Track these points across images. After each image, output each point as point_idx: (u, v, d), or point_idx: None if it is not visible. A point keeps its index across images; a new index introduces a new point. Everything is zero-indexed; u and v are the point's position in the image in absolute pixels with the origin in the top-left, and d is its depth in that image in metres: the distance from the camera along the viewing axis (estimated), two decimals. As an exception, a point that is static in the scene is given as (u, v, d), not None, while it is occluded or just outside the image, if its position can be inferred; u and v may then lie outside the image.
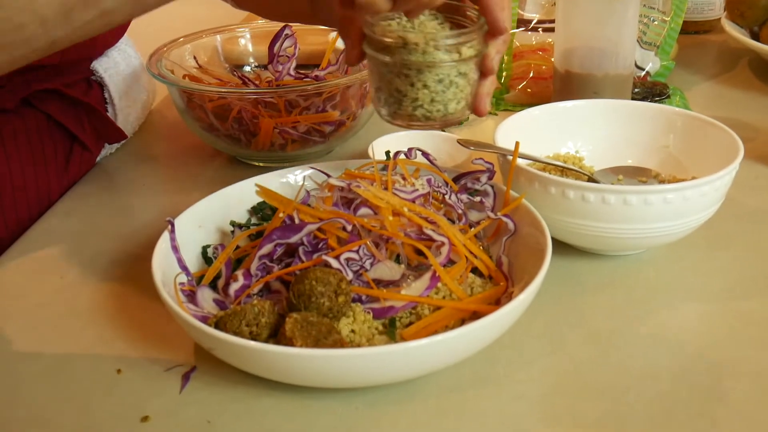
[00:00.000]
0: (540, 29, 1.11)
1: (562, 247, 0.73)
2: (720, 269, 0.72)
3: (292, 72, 0.98)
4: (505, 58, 1.09)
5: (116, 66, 1.00)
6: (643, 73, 1.09)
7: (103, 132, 0.95)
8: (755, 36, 1.19)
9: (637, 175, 0.80)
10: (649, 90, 1.05)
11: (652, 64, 1.09)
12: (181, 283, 0.64)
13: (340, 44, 1.02)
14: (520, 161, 0.71)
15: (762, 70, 1.18)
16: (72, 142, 0.93)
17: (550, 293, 0.69)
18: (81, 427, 0.57)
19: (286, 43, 1.00)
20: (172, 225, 0.66)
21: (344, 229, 0.63)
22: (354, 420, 0.56)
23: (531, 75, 1.07)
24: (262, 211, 0.74)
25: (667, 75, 1.11)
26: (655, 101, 1.02)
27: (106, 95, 0.98)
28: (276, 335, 0.58)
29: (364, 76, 0.88)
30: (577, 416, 0.56)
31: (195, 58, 1.00)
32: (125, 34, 1.04)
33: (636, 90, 1.03)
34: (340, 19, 0.64)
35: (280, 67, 0.97)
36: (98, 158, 0.99)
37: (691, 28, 1.35)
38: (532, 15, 1.12)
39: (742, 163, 0.70)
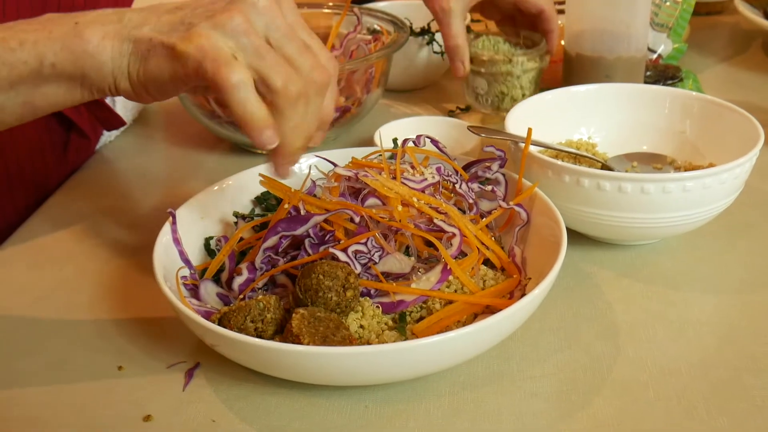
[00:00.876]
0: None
1: (575, 236, 0.71)
2: (738, 259, 0.70)
3: (295, 57, 0.95)
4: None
5: None
6: (655, 55, 1.06)
7: (102, 119, 0.93)
8: (769, 16, 1.17)
9: (652, 161, 0.78)
10: (662, 73, 1.02)
11: (664, 46, 1.07)
12: (184, 277, 0.62)
13: (343, 28, 1.00)
14: (532, 148, 0.69)
15: (776, 52, 1.15)
16: (69, 129, 0.90)
17: (564, 285, 0.67)
18: (81, 427, 0.55)
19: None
20: (174, 216, 0.64)
21: (352, 220, 0.61)
22: (364, 419, 0.54)
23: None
24: (267, 201, 0.71)
25: (680, 57, 1.08)
26: (668, 85, 0.99)
27: None
28: (282, 331, 0.56)
29: (369, 61, 0.86)
30: (595, 413, 0.54)
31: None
32: None
33: (648, 73, 1.00)
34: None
35: (283, 53, 0.95)
36: (97, 146, 0.97)
37: (702, 9, 1.32)
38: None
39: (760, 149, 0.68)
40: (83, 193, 0.87)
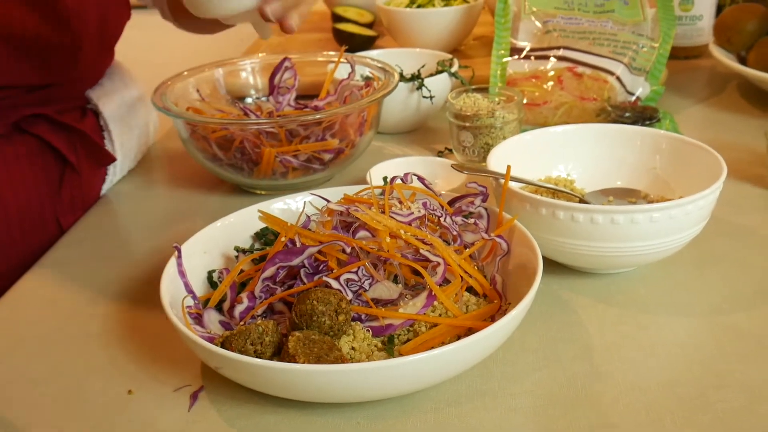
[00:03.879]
0: (532, 57, 1.14)
1: (555, 266, 0.76)
2: (708, 285, 0.75)
3: (292, 102, 1.01)
4: (499, 84, 1.12)
5: (110, 94, 1.03)
6: (634, 97, 1.12)
7: (94, 156, 0.97)
8: (743, 60, 1.23)
9: (626, 196, 0.83)
10: (640, 114, 1.08)
11: (642, 89, 1.12)
12: (188, 306, 0.67)
13: (337, 75, 1.06)
14: (512, 184, 0.74)
15: (750, 93, 1.21)
16: (64, 166, 0.95)
17: (544, 310, 0.71)
18: (94, 445, 0.59)
19: (286, 75, 1.03)
20: (179, 251, 0.69)
21: (344, 251, 0.66)
22: (356, 433, 0.59)
23: (524, 101, 1.10)
24: (265, 236, 0.76)
25: (657, 99, 1.14)
26: (646, 125, 1.05)
27: (102, 122, 1.01)
28: (280, 353, 0.60)
29: (361, 105, 0.92)
30: (570, 426, 0.58)
31: (198, 90, 1.03)
32: (120, 64, 1.08)
33: (627, 114, 1.06)
34: None
35: (281, 98, 1.01)
36: (104, 190, 1.02)
37: (681, 54, 1.39)
38: (524, 43, 1.16)
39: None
40: (92, 233, 0.92)
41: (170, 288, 0.66)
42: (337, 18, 1.49)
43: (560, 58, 1.13)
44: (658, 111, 1.08)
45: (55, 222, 0.95)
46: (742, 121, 1.12)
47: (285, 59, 1.03)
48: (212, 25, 1.01)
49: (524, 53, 1.15)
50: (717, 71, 1.33)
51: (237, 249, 0.75)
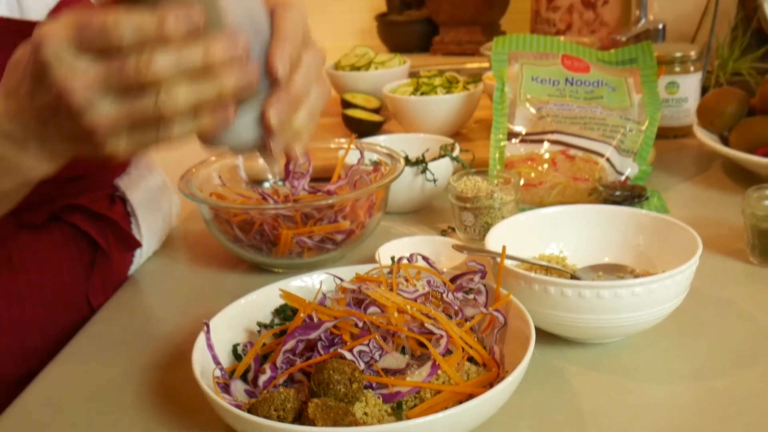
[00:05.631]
0: (528, 141, 1.23)
1: (549, 337, 0.83)
2: (689, 353, 0.82)
3: (306, 187, 1.10)
4: (498, 167, 1.21)
5: (137, 182, 1.12)
6: (624, 177, 1.20)
7: (123, 241, 1.05)
8: (725, 140, 1.31)
9: (614, 271, 0.90)
10: (629, 193, 1.16)
11: (630, 169, 1.21)
12: (217, 377, 0.74)
13: (348, 160, 1.15)
14: (508, 262, 0.82)
15: (733, 172, 1.29)
16: (95, 250, 1.03)
17: (539, 378, 0.78)
18: (133, 504, 0.66)
19: (300, 161, 1.12)
20: (208, 326, 0.76)
21: (356, 325, 0.74)
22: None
23: (521, 183, 1.18)
24: (284, 312, 0.84)
25: (645, 178, 1.22)
26: (636, 203, 1.13)
27: (129, 209, 1.10)
28: (300, 418, 0.67)
29: (370, 190, 1.00)
30: (561, 483, 0.65)
31: (219, 176, 1.12)
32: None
33: (617, 193, 1.14)
34: None
35: (296, 183, 1.10)
36: (131, 270, 1.10)
37: (669, 133, 1.48)
38: (520, 128, 1.24)
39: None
40: (121, 311, 1.00)
41: (200, 360, 0.73)
42: (346, 104, 1.59)
43: (554, 142, 1.21)
44: (646, 189, 1.16)
45: (86, 301, 1.02)
46: (725, 197, 1.20)
47: (299, 147, 1.12)
48: None
49: (520, 137, 1.24)
50: (703, 150, 1.41)
51: (259, 324, 0.82)
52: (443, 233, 1.13)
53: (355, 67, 1.70)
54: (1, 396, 0.86)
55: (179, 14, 0.56)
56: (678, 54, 1.46)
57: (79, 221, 1.00)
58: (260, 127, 0.64)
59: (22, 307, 0.94)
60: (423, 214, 1.22)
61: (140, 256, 1.12)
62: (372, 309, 0.76)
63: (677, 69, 1.46)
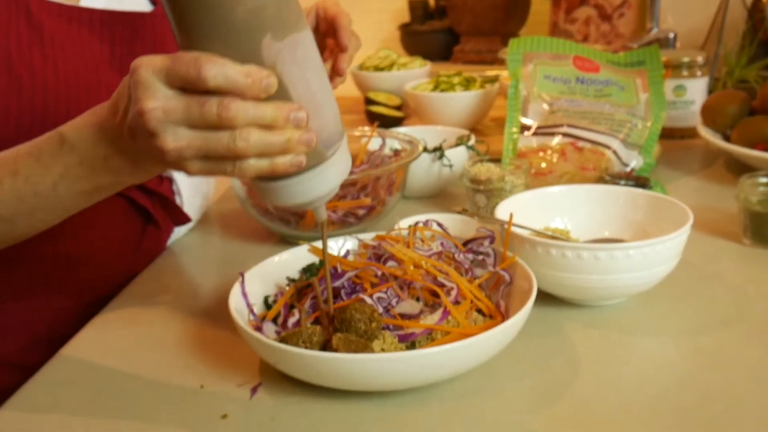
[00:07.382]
0: (539, 133, 1.31)
1: (552, 299, 0.91)
2: (679, 315, 0.90)
3: (332, 168, 1.19)
4: (510, 156, 1.29)
5: None
6: (629, 168, 1.28)
7: (171, 216, 1.15)
8: (727, 138, 1.39)
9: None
10: (633, 182, 1.23)
11: (635, 161, 1.29)
12: (250, 320, 0.83)
13: (370, 147, 1.23)
14: (514, 229, 0.90)
15: (734, 167, 1.37)
16: (145, 224, 1.12)
17: (539, 332, 0.86)
18: (179, 423, 0.75)
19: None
20: (243, 277, 0.85)
21: (376, 275, 0.82)
22: (386, 417, 0.74)
23: (532, 171, 1.26)
24: (311, 270, 0.93)
25: (650, 170, 1.30)
26: (639, 192, 1.20)
27: (174, 187, 1.19)
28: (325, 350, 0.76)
29: (391, 170, 1.09)
30: (557, 413, 0.73)
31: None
32: None
33: (622, 182, 1.22)
34: None
35: (323, 165, 1.19)
36: (168, 242, 1.19)
37: (677, 134, 1.56)
38: (533, 122, 1.33)
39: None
40: (161, 276, 1.09)
41: (236, 305, 0.82)
42: (370, 101, 1.69)
43: (564, 135, 1.30)
44: (649, 180, 1.24)
45: (132, 266, 1.12)
46: (725, 189, 1.27)
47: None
48: None
49: (533, 130, 1.32)
50: (707, 149, 1.49)
51: (288, 279, 0.91)
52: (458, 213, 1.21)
53: (378, 68, 1.79)
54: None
55: (261, 73, 0.65)
56: (685, 59, 1.54)
57: (136, 195, 1.09)
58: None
59: (77, 269, 1.04)
60: (439, 198, 1.30)
61: (178, 232, 1.21)
62: (390, 262, 0.84)
63: (685, 73, 1.54)
